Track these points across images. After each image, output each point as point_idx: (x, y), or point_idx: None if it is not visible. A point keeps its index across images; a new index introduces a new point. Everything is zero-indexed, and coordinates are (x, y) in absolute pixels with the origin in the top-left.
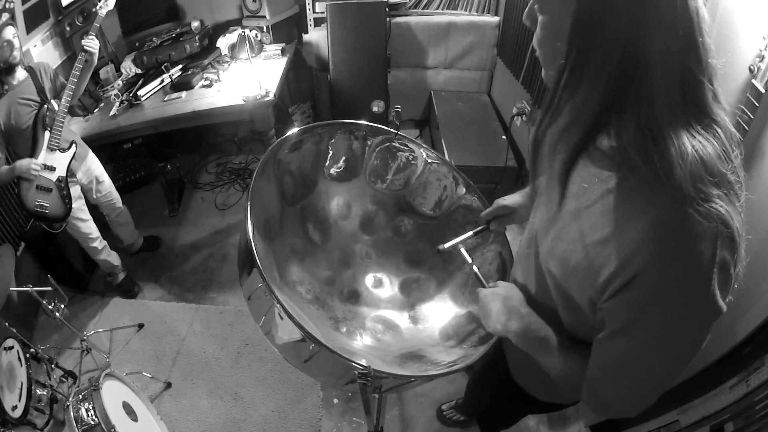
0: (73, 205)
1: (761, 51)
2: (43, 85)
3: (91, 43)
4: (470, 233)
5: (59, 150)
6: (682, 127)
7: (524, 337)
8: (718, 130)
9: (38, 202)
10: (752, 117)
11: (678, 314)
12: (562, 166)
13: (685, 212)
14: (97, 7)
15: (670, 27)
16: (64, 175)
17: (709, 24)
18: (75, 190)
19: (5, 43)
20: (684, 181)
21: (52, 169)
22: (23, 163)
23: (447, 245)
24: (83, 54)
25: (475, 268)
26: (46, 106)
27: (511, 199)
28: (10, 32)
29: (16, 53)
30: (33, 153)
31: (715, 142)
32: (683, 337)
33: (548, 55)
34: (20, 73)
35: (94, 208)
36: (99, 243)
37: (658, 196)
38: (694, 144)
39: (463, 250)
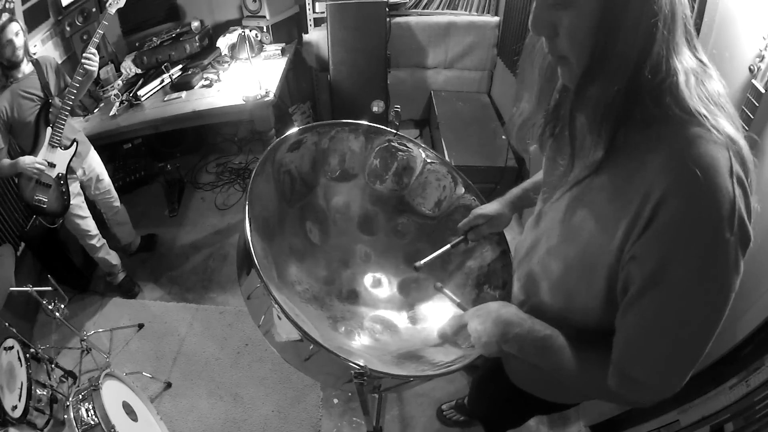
0: (72, 202)
1: (761, 51)
2: (48, 80)
3: (90, 62)
4: (448, 246)
5: (60, 147)
6: (684, 55)
7: (527, 341)
8: (711, 71)
9: (37, 196)
10: (752, 117)
11: (709, 232)
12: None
13: (693, 132)
14: (107, 4)
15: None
16: (64, 172)
17: None
18: (74, 187)
19: (7, 42)
20: (690, 99)
21: (52, 165)
22: (26, 160)
23: (424, 261)
24: (83, 69)
25: (455, 299)
26: (49, 101)
27: (489, 208)
28: (12, 30)
29: (19, 52)
30: (34, 148)
31: (713, 78)
32: (717, 266)
33: (577, 54)
34: (26, 67)
35: (93, 207)
36: (97, 241)
37: (664, 130)
38: (696, 74)
39: (445, 291)
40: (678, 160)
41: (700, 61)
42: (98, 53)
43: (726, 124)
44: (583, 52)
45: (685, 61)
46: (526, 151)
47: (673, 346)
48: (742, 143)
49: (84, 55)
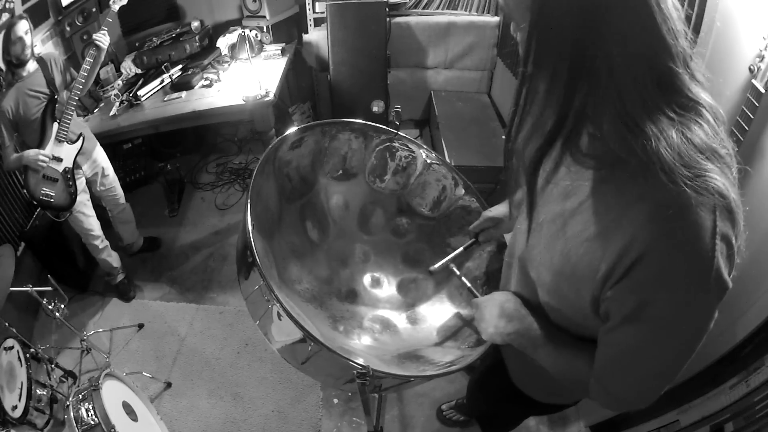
0: (78, 198)
1: (761, 51)
2: (53, 77)
3: (102, 39)
4: (460, 249)
5: (67, 142)
6: (662, 113)
7: (525, 337)
8: (701, 108)
9: (44, 191)
10: (752, 117)
11: (685, 291)
12: (527, 169)
13: (680, 189)
14: (111, 2)
15: (627, 24)
16: (71, 166)
17: (677, 7)
18: (80, 183)
19: (18, 40)
20: (674, 164)
21: (59, 159)
22: (30, 153)
23: (438, 265)
24: (93, 49)
25: (466, 282)
26: (56, 97)
27: (498, 210)
28: (22, 28)
29: (28, 51)
30: (41, 144)
31: (700, 120)
32: (691, 316)
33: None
34: (31, 65)
35: (98, 209)
36: (100, 242)
37: (651, 182)
38: (676, 127)
39: (453, 268)
40: (661, 221)
41: (694, 100)
42: (108, 37)
43: (714, 179)
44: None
45: (664, 119)
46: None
47: (647, 369)
48: (732, 196)
49: (95, 34)
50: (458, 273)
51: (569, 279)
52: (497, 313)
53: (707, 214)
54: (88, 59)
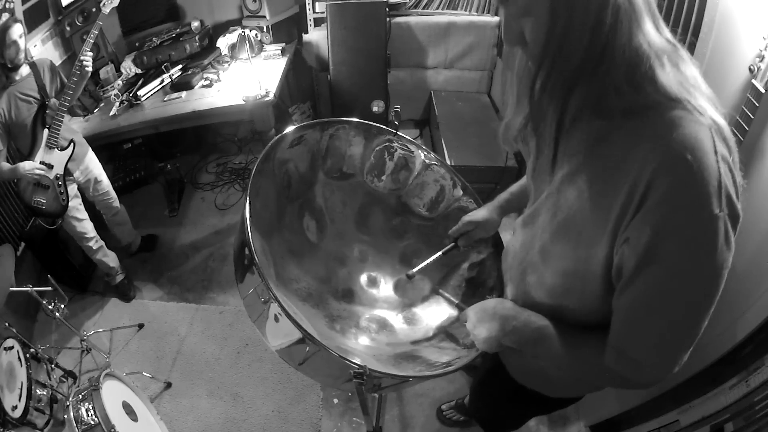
0: (70, 204)
1: (761, 51)
2: (45, 82)
3: (89, 62)
4: (439, 254)
5: (57, 148)
6: (665, 56)
7: (524, 334)
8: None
9: (36, 198)
10: (752, 117)
11: (699, 215)
12: (553, 130)
13: (676, 115)
14: (101, 4)
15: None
16: (62, 173)
17: None
18: (72, 189)
19: (11, 43)
20: (672, 88)
21: (49, 166)
22: (25, 166)
23: (416, 269)
24: (78, 69)
25: (452, 299)
26: (46, 103)
27: (478, 215)
28: (16, 32)
29: (22, 55)
30: (32, 150)
31: (686, 60)
32: (710, 242)
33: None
34: (23, 69)
35: (92, 207)
36: (94, 243)
37: (647, 118)
38: (668, 57)
39: (443, 292)
40: (664, 143)
41: (668, 40)
42: (92, 52)
43: (707, 105)
44: (545, 49)
45: (651, 40)
46: (513, 151)
47: (668, 323)
48: (722, 123)
49: (82, 56)
50: (446, 295)
51: (575, 255)
52: (490, 318)
53: (704, 129)
54: (72, 78)
